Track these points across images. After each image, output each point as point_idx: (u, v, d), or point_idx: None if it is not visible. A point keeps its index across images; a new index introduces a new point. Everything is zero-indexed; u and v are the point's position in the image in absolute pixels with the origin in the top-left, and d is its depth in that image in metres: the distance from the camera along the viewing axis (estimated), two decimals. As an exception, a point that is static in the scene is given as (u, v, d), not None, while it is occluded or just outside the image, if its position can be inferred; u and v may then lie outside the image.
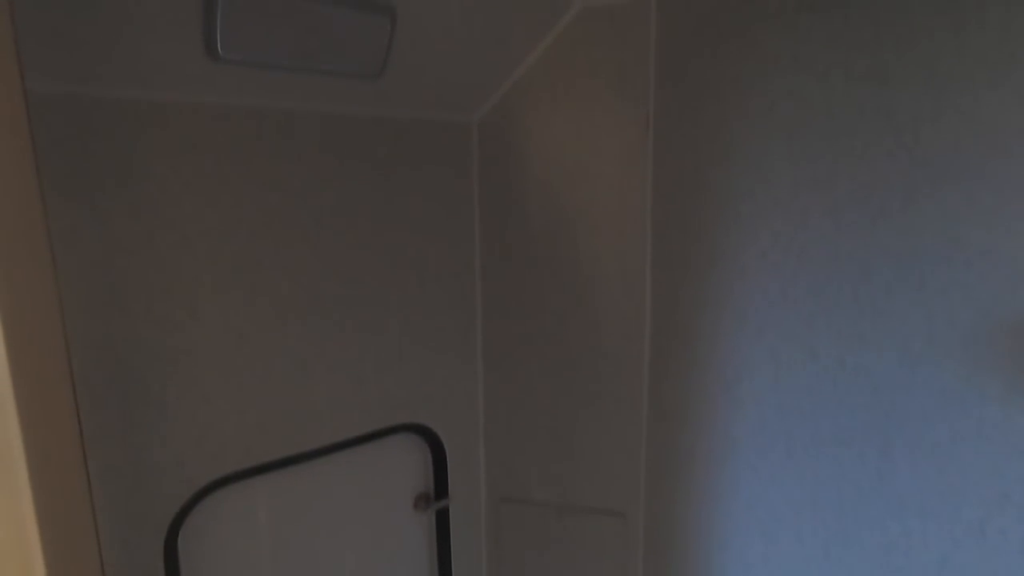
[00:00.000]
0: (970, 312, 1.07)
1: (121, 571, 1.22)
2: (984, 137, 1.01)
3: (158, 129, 1.17)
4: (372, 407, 1.55)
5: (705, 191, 1.36)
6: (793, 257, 1.26)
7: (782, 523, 1.35)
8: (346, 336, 1.47)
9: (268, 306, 1.34)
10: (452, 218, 1.64)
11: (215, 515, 1.37)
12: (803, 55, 1.19)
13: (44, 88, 1.03)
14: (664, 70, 1.39)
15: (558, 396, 1.65)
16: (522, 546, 1.79)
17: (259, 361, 1.34)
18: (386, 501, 1.70)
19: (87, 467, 0.88)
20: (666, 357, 1.49)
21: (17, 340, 0.52)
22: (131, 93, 1.13)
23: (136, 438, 1.21)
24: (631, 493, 1.60)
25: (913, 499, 1.16)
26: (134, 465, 1.21)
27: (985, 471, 1.09)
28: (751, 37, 1.25)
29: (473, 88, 1.54)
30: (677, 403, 1.48)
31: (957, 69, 1.03)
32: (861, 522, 1.24)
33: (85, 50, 1.02)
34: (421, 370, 1.64)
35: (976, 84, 1.01)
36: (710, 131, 1.34)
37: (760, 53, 1.24)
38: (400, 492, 1.73)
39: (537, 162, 1.56)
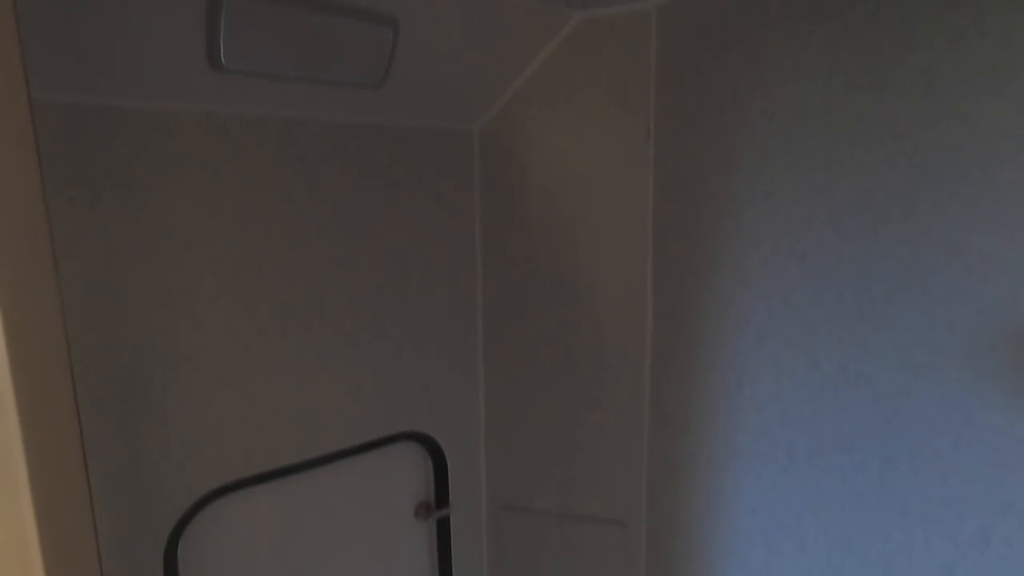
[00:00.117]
0: (972, 319, 1.06)
1: (121, 580, 1.22)
2: (984, 144, 1.02)
3: (161, 138, 1.17)
4: (373, 415, 1.55)
5: (706, 198, 1.36)
6: (794, 264, 1.26)
7: (785, 531, 1.35)
8: (347, 344, 1.47)
9: (269, 313, 1.34)
10: (453, 226, 1.65)
11: (215, 523, 1.36)
12: (803, 63, 1.19)
13: (49, 97, 1.04)
14: (664, 79, 1.40)
15: (559, 404, 1.64)
16: (523, 555, 1.78)
17: (260, 369, 1.34)
18: (387, 510, 1.69)
19: (88, 474, 0.88)
20: (667, 364, 1.48)
21: (20, 346, 0.52)
22: (135, 102, 1.13)
23: (136, 446, 1.21)
24: (633, 501, 1.59)
25: (916, 507, 1.16)
26: (134, 473, 1.21)
27: (988, 479, 1.08)
28: (751, 45, 1.25)
29: (474, 97, 1.55)
30: (679, 410, 1.48)
31: (957, 76, 1.03)
32: (864, 530, 1.23)
33: (89, 60, 1.03)
34: (422, 378, 1.64)
35: (976, 91, 1.01)
36: (710, 139, 1.34)
37: (760, 61, 1.24)
38: (401, 501, 1.72)
39: (538, 170, 1.57)
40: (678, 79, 1.38)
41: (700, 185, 1.37)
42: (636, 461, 1.57)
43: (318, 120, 1.36)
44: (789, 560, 1.35)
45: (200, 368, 1.26)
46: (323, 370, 1.44)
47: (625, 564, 1.63)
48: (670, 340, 1.47)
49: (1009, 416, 1.04)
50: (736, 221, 1.32)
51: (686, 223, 1.41)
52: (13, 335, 0.51)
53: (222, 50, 1.09)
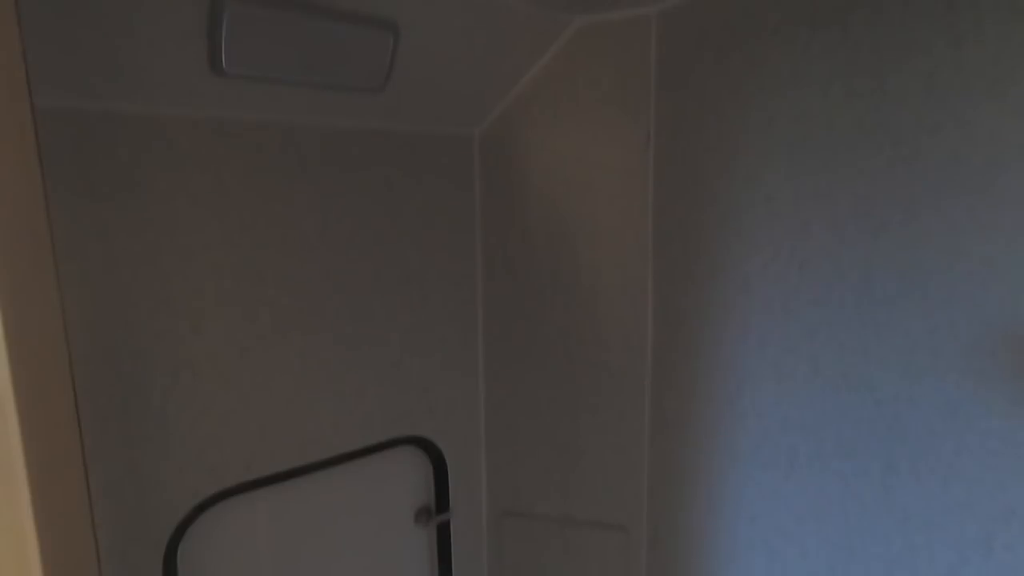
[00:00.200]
0: (973, 324, 1.06)
1: (120, 585, 1.21)
2: (984, 150, 1.02)
3: (162, 142, 1.18)
4: (373, 420, 1.55)
5: (706, 204, 1.37)
6: (795, 269, 1.26)
7: (786, 538, 1.34)
8: (347, 348, 1.47)
9: (270, 318, 1.34)
10: (454, 231, 1.65)
11: (215, 529, 1.36)
12: (802, 69, 1.19)
13: (51, 102, 1.05)
14: (664, 84, 1.40)
15: (560, 408, 1.64)
16: (524, 560, 1.78)
17: (260, 374, 1.34)
18: (387, 515, 1.69)
19: (88, 479, 0.87)
20: (668, 369, 1.48)
21: (20, 351, 0.52)
22: (136, 107, 1.14)
23: (136, 450, 1.21)
24: (634, 507, 1.59)
25: (918, 514, 1.15)
26: (134, 478, 1.21)
27: (991, 486, 1.07)
28: (750, 52, 1.26)
29: (475, 102, 1.56)
30: (679, 415, 1.47)
31: (956, 83, 1.03)
32: (866, 537, 1.22)
33: (92, 65, 1.04)
34: (422, 382, 1.63)
35: (975, 98, 1.02)
36: (710, 144, 1.34)
37: (760, 67, 1.25)
38: (401, 506, 1.72)
39: (538, 175, 1.57)
40: (678, 84, 1.38)
41: (700, 190, 1.37)
42: (637, 466, 1.57)
43: (319, 125, 1.37)
44: (791, 566, 1.34)
45: (200, 373, 1.26)
46: (323, 375, 1.44)
47: (626, 570, 1.63)
48: (671, 345, 1.47)
49: (1011, 422, 1.04)
50: (736, 226, 1.32)
51: (686, 228, 1.41)
52: (14, 340, 0.52)
53: (223, 55, 1.09)
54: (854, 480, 1.23)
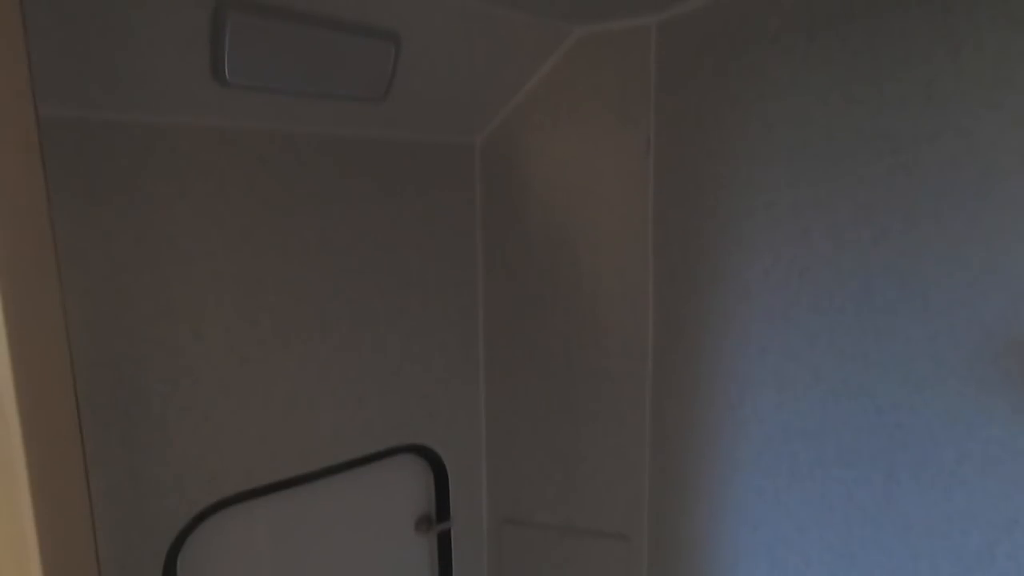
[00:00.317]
0: (974, 331, 1.06)
1: (119, 594, 1.21)
2: (983, 157, 1.02)
3: (165, 151, 1.19)
4: (373, 428, 1.55)
5: (706, 211, 1.37)
6: (795, 277, 1.26)
7: (788, 546, 1.33)
8: (348, 356, 1.47)
9: (270, 326, 1.34)
10: (454, 238, 1.65)
11: (215, 538, 1.36)
12: (801, 77, 1.20)
13: (55, 111, 1.05)
14: (664, 92, 1.41)
15: (561, 416, 1.64)
16: (525, 569, 1.77)
17: (260, 382, 1.34)
18: (387, 523, 1.68)
19: (89, 487, 0.87)
20: (669, 376, 1.48)
21: (23, 357, 0.52)
22: (139, 116, 1.15)
23: (136, 459, 1.21)
24: (635, 515, 1.58)
25: (920, 522, 1.15)
26: (134, 486, 1.21)
27: (993, 494, 1.07)
28: (750, 60, 1.26)
29: (476, 110, 1.56)
30: (680, 423, 1.47)
31: (955, 91, 1.04)
32: (868, 545, 1.22)
33: (96, 75, 1.04)
34: (423, 390, 1.63)
35: (974, 106, 1.02)
36: (710, 152, 1.35)
37: (759, 75, 1.25)
38: (401, 514, 1.71)
39: (539, 182, 1.58)
40: (678, 92, 1.39)
41: (700, 197, 1.38)
42: (638, 474, 1.56)
43: (320, 134, 1.38)
44: (793, 574, 1.34)
45: (201, 381, 1.26)
46: (324, 382, 1.44)
47: (627, 579, 1.62)
48: (671, 352, 1.47)
49: (1012, 430, 1.04)
50: (737, 233, 1.33)
51: (686, 235, 1.41)
52: (17, 346, 0.52)
53: (226, 65, 1.10)
54: (856, 488, 1.22)
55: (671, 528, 1.53)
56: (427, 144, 1.56)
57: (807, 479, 1.29)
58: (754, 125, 1.27)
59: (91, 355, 1.14)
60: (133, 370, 1.19)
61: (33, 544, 0.53)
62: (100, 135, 1.11)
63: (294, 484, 1.43)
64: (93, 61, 1.02)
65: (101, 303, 1.15)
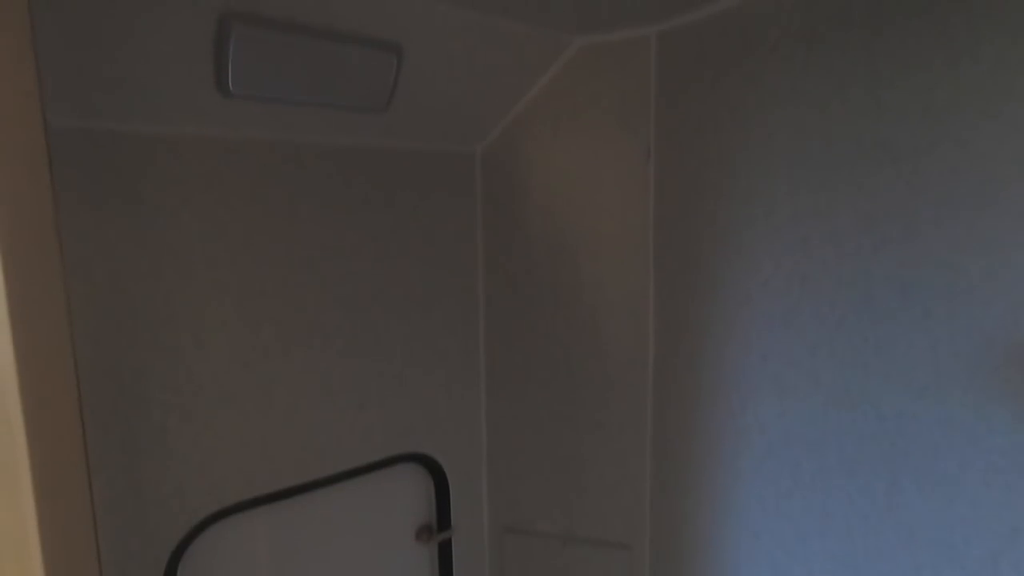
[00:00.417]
0: (975, 340, 1.06)
1: (120, 604, 1.20)
2: (981, 166, 1.02)
3: (168, 161, 1.19)
4: (374, 436, 1.54)
5: (706, 219, 1.37)
6: (796, 285, 1.26)
7: (790, 555, 1.33)
8: (349, 365, 1.47)
9: (272, 335, 1.35)
10: (455, 247, 1.66)
11: (216, 547, 1.35)
12: (801, 86, 1.21)
13: (61, 122, 1.06)
14: (664, 101, 1.42)
15: (562, 424, 1.64)
16: (526, 579, 1.76)
17: (262, 390, 1.34)
18: (388, 532, 1.68)
19: (92, 496, 0.87)
20: (670, 384, 1.48)
21: (29, 364, 0.52)
22: (144, 127, 1.15)
23: (138, 467, 1.21)
24: (637, 523, 1.58)
25: (923, 532, 1.14)
26: (135, 494, 1.21)
27: (996, 504, 1.07)
28: (749, 69, 1.27)
29: (476, 120, 1.57)
30: (682, 431, 1.47)
31: (953, 101, 1.04)
32: (871, 554, 1.21)
33: (102, 86, 1.05)
34: (424, 399, 1.63)
35: (972, 115, 1.03)
36: (710, 161, 1.35)
37: (759, 85, 1.26)
38: (402, 523, 1.71)
39: (539, 191, 1.58)
40: (678, 101, 1.39)
41: (701, 206, 1.38)
42: (639, 482, 1.56)
43: (323, 143, 1.38)
44: (795, 585, 1.33)
45: (202, 389, 1.26)
46: (325, 391, 1.44)
47: (629, 588, 1.61)
48: (672, 360, 1.47)
49: (1014, 438, 1.04)
50: (737, 242, 1.33)
51: (687, 243, 1.42)
52: (23, 353, 0.52)
53: (230, 76, 1.11)
54: (858, 497, 1.22)
55: (673, 537, 1.52)
56: (428, 153, 1.57)
57: (809, 488, 1.28)
58: (754, 134, 1.28)
59: (93, 363, 1.14)
60: (135, 378, 1.19)
61: (36, 552, 0.53)
62: (104, 145, 1.12)
63: (295, 493, 1.42)
64: (97, 72, 1.03)
65: (103, 311, 1.15)
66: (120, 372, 1.17)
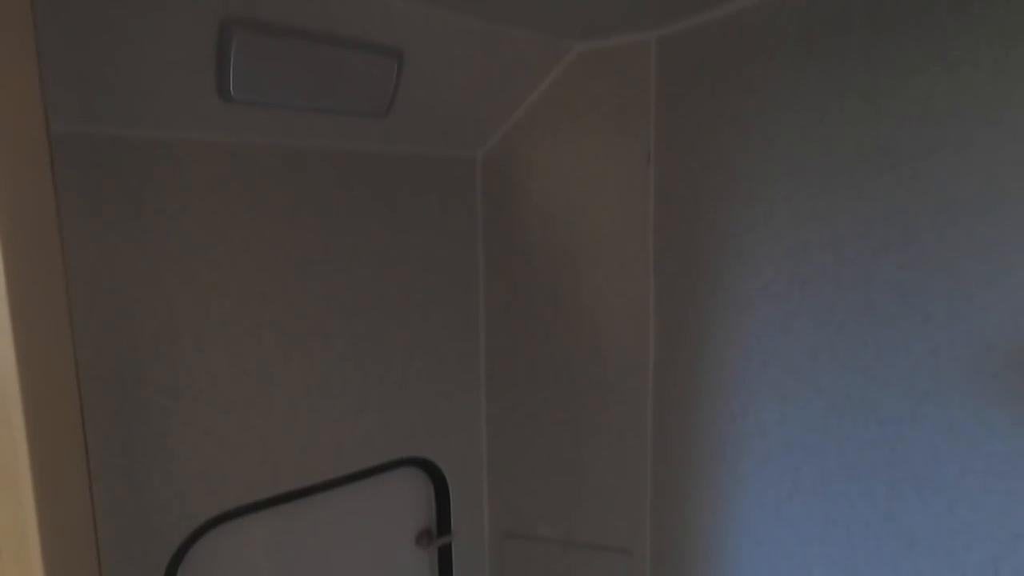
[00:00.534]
0: (975, 345, 1.06)
1: (119, 608, 1.20)
2: (980, 172, 1.03)
3: (170, 166, 1.20)
4: (375, 441, 1.54)
5: (706, 225, 1.38)
6: (796, 290, 1.26)
7: (792, 560, 1.33)
8: (349, 370, 1.47)
9: (273, 340, 1.35)
10: (456, 252, 1.66)
11: (215, 552, 1.35)
12: (800, 92, 1.21)
13: (62, 128, 1.07)
14: (664, 106, 1.42)
15: (562, 429, 1.63)
16: (526, 584, 1.76)
17: (262, 395, 1.34)
18: (388, 537, 1.68)
19: (92, 500, 0.87)
20: (670, 389, 1.48)
21: (30, 369, 0.53)
22: (145, 132, 1.16)
23: (138, 472, 1.21)
24: (637, 528, 1.58)
25: (924, 537, 1.14)
26: (135, 499, 1.21)
27: (997, 509, 1.06)
28: (749, 75, 1.28)
29: (477, 125, 1.58)
30: (682, 436, 1.47)
31: (952, 107, 1.05)
32: (872, 560, 1.21)
33: (104, 92, 1.06)
34: (424, 404, 1.63)
35: (971, 121, 1.03)
36: (710, 166, 1.36)
37: (758, 90, 1.27)
38: (402, 528, 1.70)
39: (540, 196, 1.59)
40: (678, 106, 1.40)
41: (700, 211, 1.38)
42: (640, 487, 1.56)
43: (324, 148, 1.39)
44: (796, 590, 1.33)
45: (203, 394, 1.27)
46: (325, 396, 1.44)
47: (630, 594, 1.61)
48: (673, 364, 1.47)
49: (1015, 443, 1.03)
50: (737, 246, 1.33)
51: (687, 248, 1.42)
52: (24, 357, 0.52)
53: (231, 82, 1.11)
54: (859, 502, 1.22)
55: (673, 542, 1.52)
56: (429, 158, 1.57)
57: (809, 493, 1.28)
58: (753, 139, 1.28)
59: (94, 367, 1.14)
60: (135, 382, 1.19)
61: (37, 555, 0.53)
62: (106, 150, 1.13)
63: (294, 498, 1.42)
64: (100, 77, 1.03)
65: (104, 315, 1.16)
66: (121, 376, 1.18)
